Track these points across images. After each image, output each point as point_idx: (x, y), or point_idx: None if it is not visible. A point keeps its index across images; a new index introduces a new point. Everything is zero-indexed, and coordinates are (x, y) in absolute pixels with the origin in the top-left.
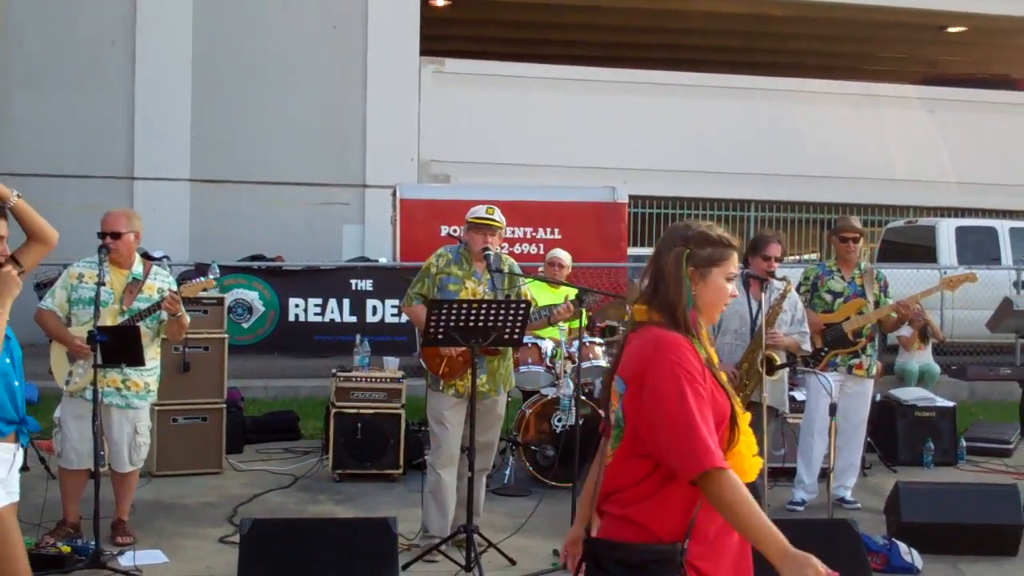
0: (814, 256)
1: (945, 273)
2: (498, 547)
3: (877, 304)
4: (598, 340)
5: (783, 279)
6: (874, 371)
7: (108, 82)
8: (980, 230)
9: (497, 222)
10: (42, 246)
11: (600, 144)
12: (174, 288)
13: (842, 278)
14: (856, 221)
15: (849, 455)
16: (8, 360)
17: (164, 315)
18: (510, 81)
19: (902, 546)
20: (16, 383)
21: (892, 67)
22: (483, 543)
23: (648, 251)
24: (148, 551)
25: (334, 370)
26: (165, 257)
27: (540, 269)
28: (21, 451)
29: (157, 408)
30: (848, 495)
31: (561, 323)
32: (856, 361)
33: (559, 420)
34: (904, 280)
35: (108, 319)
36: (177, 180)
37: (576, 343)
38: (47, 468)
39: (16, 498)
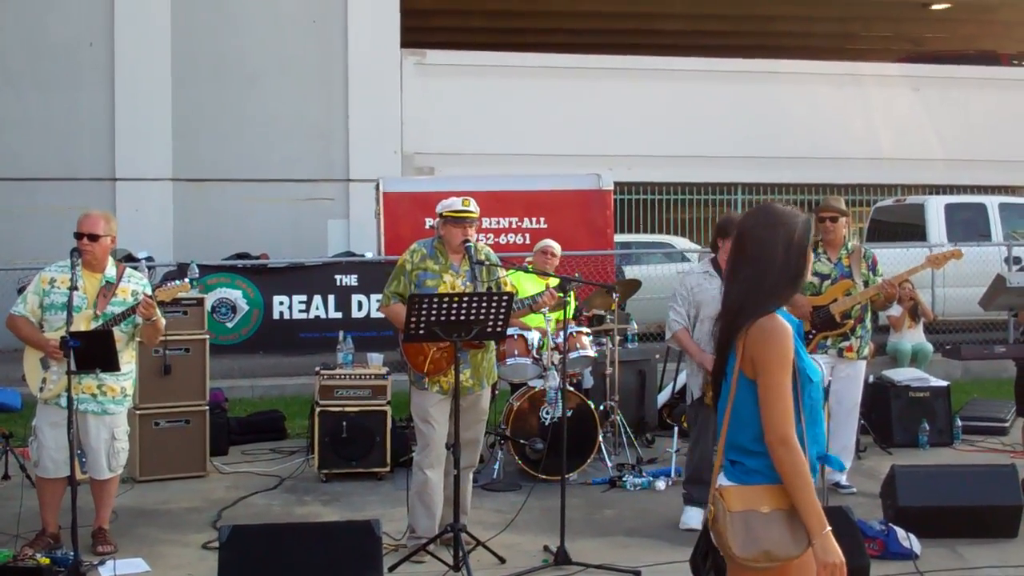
0: None
1: (934, 251)
2: (487, 545)
3: (866, 284)
4: (585, 329)
5: None
6: (866, 352)
7: (87, 83)
8: (969, 207)
9: (474, 213)
10: None
11: (584, 131)
12: (148, 291)
13: (828, 259)
14: (838, 201)
15: (843, 439)
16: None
17: (139, 319)
18: (492, 71)
19: (900, 531)
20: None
21: (876, 46)
22: (471, 541)
23: (634, 238)
24: (129, 560)
25: (318, 368)
26: (149, 258)
27: (528, 259)
28: None
29: (138, 412)
30: (843, 479)
31: (547, 313)
32: (846, 344)
33: (547, 412)
34: (894, 259)
35: (82, 324)
36: (160, 180)
37: (563, 333)
38: (28, 477)
39: None
